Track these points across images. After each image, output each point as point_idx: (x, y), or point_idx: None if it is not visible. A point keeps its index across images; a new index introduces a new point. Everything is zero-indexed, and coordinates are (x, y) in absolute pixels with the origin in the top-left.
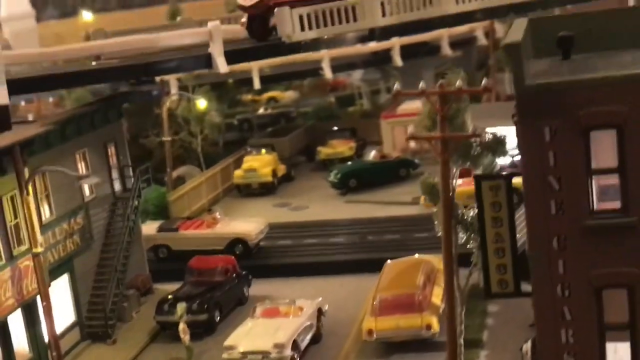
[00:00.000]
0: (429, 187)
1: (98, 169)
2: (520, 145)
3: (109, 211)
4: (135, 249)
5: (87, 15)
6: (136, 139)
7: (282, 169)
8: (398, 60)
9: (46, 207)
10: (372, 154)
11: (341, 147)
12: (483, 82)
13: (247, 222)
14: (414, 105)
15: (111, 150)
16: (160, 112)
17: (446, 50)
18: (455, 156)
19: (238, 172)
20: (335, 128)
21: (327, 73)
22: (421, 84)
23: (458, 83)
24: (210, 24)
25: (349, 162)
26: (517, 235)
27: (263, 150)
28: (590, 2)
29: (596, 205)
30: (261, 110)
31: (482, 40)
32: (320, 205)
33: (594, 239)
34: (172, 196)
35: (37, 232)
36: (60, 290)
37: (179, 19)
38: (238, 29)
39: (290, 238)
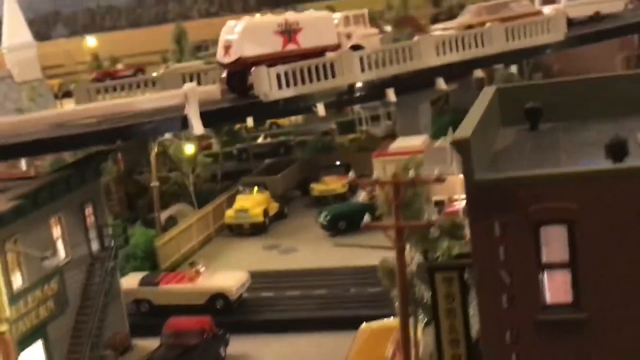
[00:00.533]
0: (386, 270)
1: (74, 231)
2: (471, 239)
3: (86, 272)
4: (113, 308)
5: (91, 41)
6: (131, 175)
7: (274, 207)
8: (392, 96)
9: (18, 275)
10: (361, 195)
11: (334, 184)
12: (436, 171)
13: (229, 276)
14: (408, 142)
15: (88, 210)
16: (153, 149)
17: (441, 85)
18: (413, 241)
19: (229, 213)
20: (338, 163)
21: (321, 111)
22: (374, 175)
23: (411, 173)
24: (185, 86)
25: (339, 204)
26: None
27: (255, 189)
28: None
29: (548, 299)
30: (260, 140)
31: (479, 73)
32: (310, 248)
33: (547, 333)
34: (159, 241)
35: (4, 308)
36: (34, 358)
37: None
38: (214, 90)
39: (273, 289)
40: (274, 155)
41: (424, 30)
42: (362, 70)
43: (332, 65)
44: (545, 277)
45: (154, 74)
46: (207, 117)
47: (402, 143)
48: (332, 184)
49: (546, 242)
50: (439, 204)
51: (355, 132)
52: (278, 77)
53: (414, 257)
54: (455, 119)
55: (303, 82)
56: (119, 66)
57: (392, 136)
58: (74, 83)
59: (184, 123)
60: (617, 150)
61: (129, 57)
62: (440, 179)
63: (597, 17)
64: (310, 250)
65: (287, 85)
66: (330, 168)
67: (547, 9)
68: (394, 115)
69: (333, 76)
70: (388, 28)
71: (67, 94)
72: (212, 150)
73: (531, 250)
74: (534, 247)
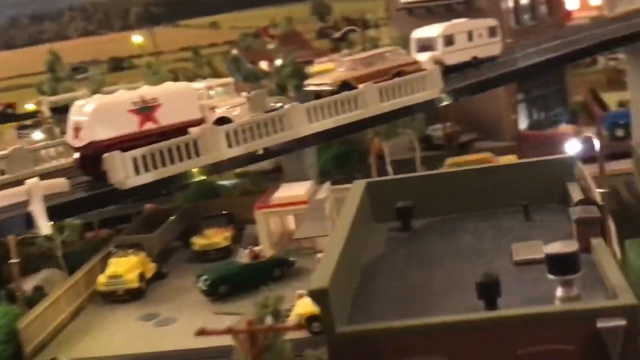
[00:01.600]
0: None
1: None
2: None
3: None
4: None
5: None
6: None
7: (151, 269)
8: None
9: None
10: (244, 253)
11: (217, 237)
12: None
13: None
14: (292, 191)
15: None
16: None
17: None
18: None
19: (102, 279)
20: (220, 212)
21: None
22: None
23: (268, 320)
24: (28, 182)
25: (219, 265)
26: None
27: (129, 251)
28: None
29: None
30: None
31: None
32: (189, 316)
33: None
34: (23, 322)
35: None
36: None
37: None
38: (61, 182)
39: None
40: (155, 198)
41: (310, 46)
42: (230, 145)
43: (195, 144)
44: None
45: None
46: (57, 211)
47: (286, 192)
48: (214, 237)
49: None
50: None
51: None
52: (135, 161)
53: None
54: (341, 150)
55: (164, 164)
56: None
57: (278, 170)
58: None
59: (29, 222)
60: (489, 291)
61: (1, 81)
62: (299, 326)
63: (475, 62)
64: (190, 319)
65: (146, 169)
66: (212, 219)
67: (424, 57)
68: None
69: (197, 155)
70: (271, 45)
71: None
72: None
73: None
74: None
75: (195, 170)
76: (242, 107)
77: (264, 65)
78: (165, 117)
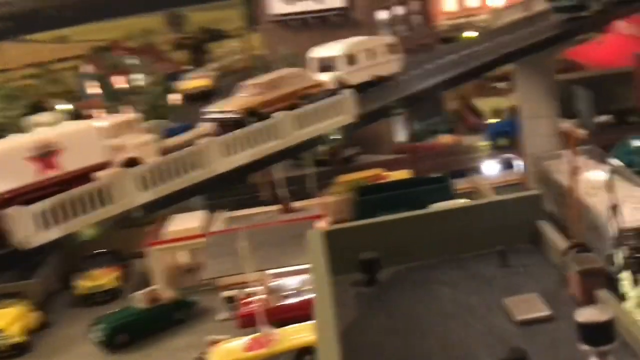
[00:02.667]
0: None
1: None
2: None
3: None
4: None
5: None
6: None
7: (35, 318)
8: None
9: None
10: (139, 297)
11: (103, 278)
12: None
13: None
14: (184, 224)
15: None
16: None
17: None
18: None
19: None
20: (106, 250)
21: None
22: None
23: None
24: None
25: (115, 313)
26: None
27: (9, 302)
28: None
29: None
30: None
31: None
32: None
33: None
34: None
35: None
36: None
37: None
38: None
39: None
40: None
41: (168, 59)
42: (141, 189)
43: (103, 191)
44: None
45: None
46: None
47: (178, 225)
48: (100, 278)
49: None
50: (231, 301)
51: None
52: (35, 217)
53: None
54: None
55: (75, 214)
56: None
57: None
58: None
59: None
60: None
61: None
62: None
63: (376, 82)
64: None
65: (51, 223)
66: (95, 257)
67: (325, 77)
68: None
69: (107, 203)
70: (131, 60)
71: None
72: None
73: None
74: None
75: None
76: (150, 145)
77: (118, 80)
78: (69, 163)
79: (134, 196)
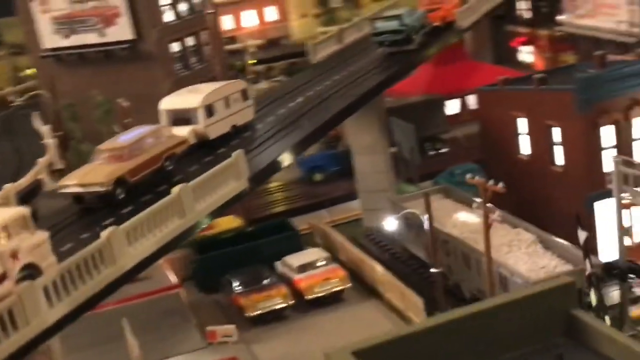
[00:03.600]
0: None
1: None
2: None
3: None
4: None
5: None
6: None
7: None
8: None
9: None
10: None
11: None
12: None
13: None
14: None
15: None
16: None
17: None
18: None
19: None
20: None
21: None
22: None
23: None
24: None
25: None
26: None
27: None
28: None
29: None
30: None
31: None
32: None
33: None
34: None
35: None
36: None
37: None
38: None
39: None
40: None
41: None
42: (52, 304)
43: (10, 314)
44: None
45: None
46: None
47: None
48: None
49: None
50: None
51: None
52: None
53: None
54: None
55: None
56: None
57: None
58: None
59: None
60: None
61: None
62: None
63: (233, 132)
64: None
65: None
66: None
67: (183, 131)
68: None
69: (16, 328)
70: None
71: None
72: None
73: None
74: None
75: None
76: (43, 245)
77: None
78: None
79: (44, 317)
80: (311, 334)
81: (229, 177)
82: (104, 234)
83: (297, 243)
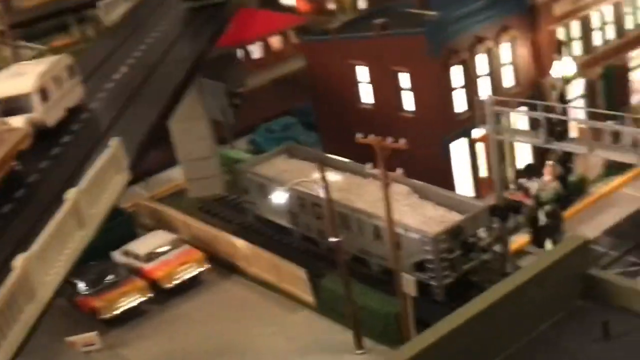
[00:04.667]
0: None
1: None
2: None
3: None
4: None
5: None
6: None
7: None
8: None
9: None
10: None
11: None
12: None
13: None
14: None
15: None
16: None
17: None
18: None
19: None
20: None
21: None
22: None
23: None
24: None
25: None
26: None
27: None
28: None
29: None
30: None
31: None
32: None
33: None
34: None
35: None
36: None
37: None
38: None
39: None
40: None
41: None
42: None
43: None
44: None
45: None
46: None
47: None
48: None
49: None
50: None
51: None
52: None
53: None
54: None
55: None
56: None
57: None
58: None
59: None
60: None
61: None
62: None
63: (68, 116)
64: None
65: None
66: None
67: (18, 122)
68: None
69: None
70: None
71: None
72: None
73: None
74: None
75: None
76: None
77: None
78: None
79: None
80: (182, 325)
81: (111, 171)
82: (18, 264)
83: (131, 228)
